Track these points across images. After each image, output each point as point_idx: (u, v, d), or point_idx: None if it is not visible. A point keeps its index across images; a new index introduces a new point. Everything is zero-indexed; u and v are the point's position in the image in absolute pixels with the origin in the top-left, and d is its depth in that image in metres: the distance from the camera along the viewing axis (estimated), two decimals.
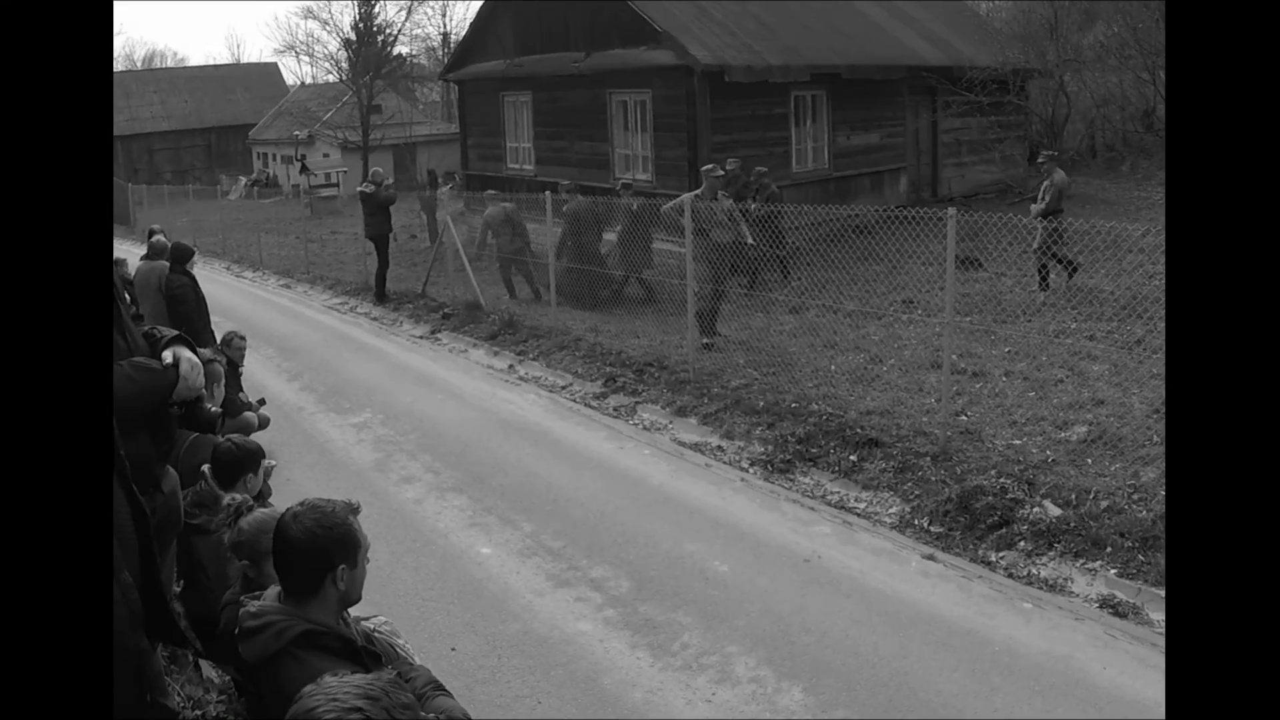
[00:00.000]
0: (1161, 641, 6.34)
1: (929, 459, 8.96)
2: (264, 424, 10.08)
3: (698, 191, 13.55)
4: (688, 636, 6.59)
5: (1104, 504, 7.81)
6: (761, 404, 10.64)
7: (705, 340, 13.15)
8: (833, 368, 11.91)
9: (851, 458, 9.32)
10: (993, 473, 8.50)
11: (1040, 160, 16.65)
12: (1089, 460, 8.72)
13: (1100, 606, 6.85)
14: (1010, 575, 7.38)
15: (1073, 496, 8.00)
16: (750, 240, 13.77)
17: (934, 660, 6.22)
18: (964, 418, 9.91)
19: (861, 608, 6.88)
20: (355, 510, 3.30)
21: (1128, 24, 28.12)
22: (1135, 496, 7.89)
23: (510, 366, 13.87)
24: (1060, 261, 15.13)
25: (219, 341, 10.20)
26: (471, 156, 26.71)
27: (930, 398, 10.37)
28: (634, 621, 6.80)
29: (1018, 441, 9.25)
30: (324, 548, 3.17)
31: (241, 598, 3.56)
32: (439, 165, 37.26)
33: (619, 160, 21.38)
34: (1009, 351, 12.11)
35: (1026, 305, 14.07)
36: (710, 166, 14.16)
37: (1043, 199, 15.61)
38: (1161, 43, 26.49)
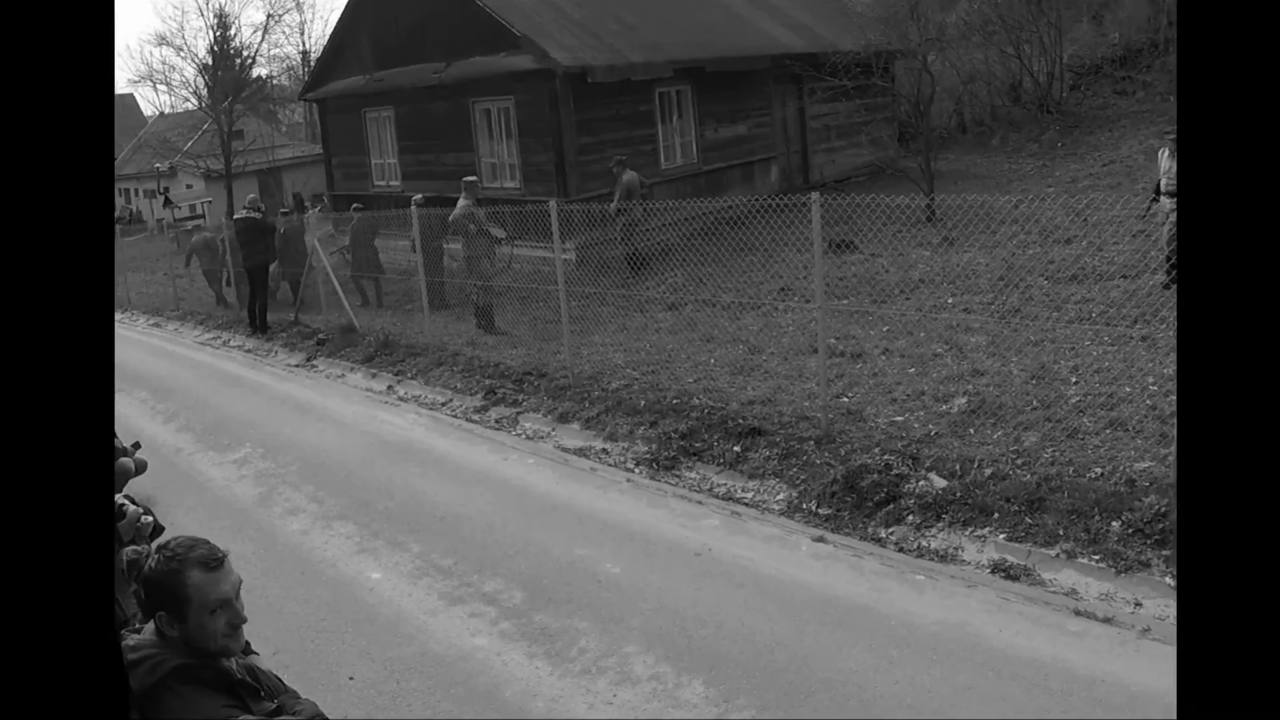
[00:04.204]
0: (1056, 600, 6.49)
1: (813, 443, 9.00)
2: (141, 469, 9.77)
3: (468, 201, 15.56)
4: (585, 641, 6.53)
5: (988, 471, 7.91)
6: (643, 403, 10.61)
7: (492, 331, 15.23)
8: (712, 361, 11.93)
9: (736, 449, 9.33)
10: (877, 451, 8.56)
11: (611, 165, 18.37)
12: (971, 430, 8.84)
13: (992, 571, 6.95)
14: (901, 550, 7.45)
15: (957, 467, 8.09)
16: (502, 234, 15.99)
17: (831, 640, 6.24)
18: (845, 399, 9.98)
19: (756, 596, 6.88)
20: (209, 564, 3.10)
21: (990, 0, 28.66)
22: (1019, 461, 8.02)
23: (389, 387, 13.67)
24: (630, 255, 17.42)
25: None
26: (337, 176, 26.27)
27: (811, 382, 10.39)
28: (530, 631, 6.73)
29: (900, 418, 9.33)
30: (149, 590, 3.09)
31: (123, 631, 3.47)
32: (305, 188, 36.70)
33: (486, 169, 21.21)
34: (887, 331, 12.25)
35: (901, 284, 14.22)
36: (473, 179, 16.41)
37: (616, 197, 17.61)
38: (1024, 17, 27.07)
